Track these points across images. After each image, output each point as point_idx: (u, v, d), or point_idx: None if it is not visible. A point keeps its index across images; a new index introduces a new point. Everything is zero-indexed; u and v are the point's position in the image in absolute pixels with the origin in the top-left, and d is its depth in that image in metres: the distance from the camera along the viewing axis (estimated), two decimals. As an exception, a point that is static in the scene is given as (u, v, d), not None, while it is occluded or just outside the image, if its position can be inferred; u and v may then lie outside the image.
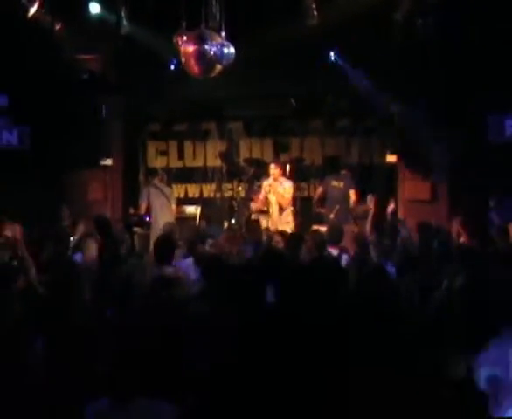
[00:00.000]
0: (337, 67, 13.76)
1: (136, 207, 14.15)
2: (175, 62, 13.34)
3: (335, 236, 9.71)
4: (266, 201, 13.67)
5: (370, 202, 11.38)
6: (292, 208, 13.77)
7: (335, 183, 13.85)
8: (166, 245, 8.31)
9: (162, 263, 7.90)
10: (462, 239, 9.99)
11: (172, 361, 4.82)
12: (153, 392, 4.14)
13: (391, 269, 7.83)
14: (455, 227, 10.30)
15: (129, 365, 4.12)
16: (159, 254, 8.12)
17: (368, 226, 10.78)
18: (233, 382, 4.31)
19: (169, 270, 7.67)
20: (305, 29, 13.07)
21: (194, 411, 4.28)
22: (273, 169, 13.61)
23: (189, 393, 4.44)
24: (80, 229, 10.24)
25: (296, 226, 13.51)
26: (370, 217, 11.00)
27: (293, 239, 9.66)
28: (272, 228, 13.07)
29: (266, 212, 13.79)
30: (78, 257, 8.91)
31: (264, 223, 13.44)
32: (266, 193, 13.64)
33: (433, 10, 12.44)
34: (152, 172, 14.69)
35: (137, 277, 7.22)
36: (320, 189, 14.28)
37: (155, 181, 13.98)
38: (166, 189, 14.07)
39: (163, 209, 13.60)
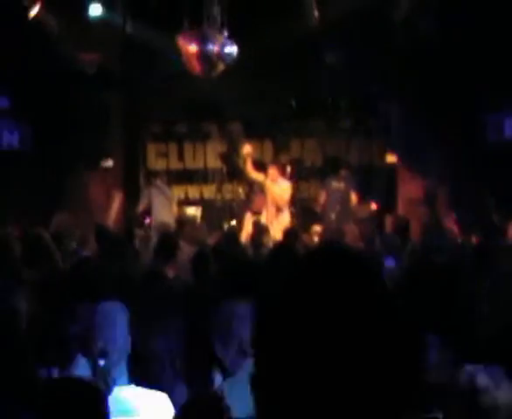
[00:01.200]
0: (337, 68, 13.83)
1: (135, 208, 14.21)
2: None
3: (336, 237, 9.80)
4: (265, 202, 13.67)
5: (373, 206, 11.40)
6: (291, 208, 13.78)
7: (335, 184, 13.87)
8: (166, 245, 8.23)
9: (163, 262, 7.79)
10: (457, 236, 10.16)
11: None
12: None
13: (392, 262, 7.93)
14: (449, 224, 10.47)
15: None
16: (159, 253, 8.07)
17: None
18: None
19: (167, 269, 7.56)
20: (305, 29, 13.15)
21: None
22: (271, 170, 13.61)
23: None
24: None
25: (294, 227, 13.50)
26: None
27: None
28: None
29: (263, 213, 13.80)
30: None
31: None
32: (266, 193, 13.64)
33: (434, 10, 12.50)
34: (154, 173, 14.74)
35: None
36: (323, 194, 14.21)
37: (158, 181, 14.03)
38: (167, 190, 14.12)
39: (164, 210, 13.64)
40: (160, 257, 7.93)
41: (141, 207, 14.01)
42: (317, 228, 13.34)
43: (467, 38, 12.56)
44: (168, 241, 8.39)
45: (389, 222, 12.63)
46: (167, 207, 13.75)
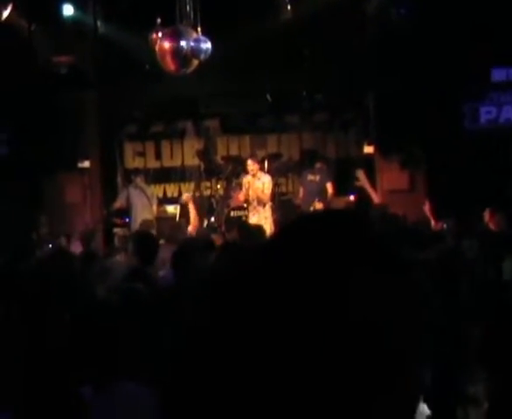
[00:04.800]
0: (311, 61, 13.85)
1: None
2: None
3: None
4: (247, 197, 13.65)
5: (360, 174, 11.34)
6: (271, 203, 13.77)
7: (311, 177, 13.91)
8: (149, 244, 7.96)
9: (145, 262, 7.50)
10: (433, 223, 10.27)
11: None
12: (133, 375, 4.03)
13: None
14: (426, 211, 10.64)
15: (109, 345, 4.02)
16: (141, 253, 7.70)
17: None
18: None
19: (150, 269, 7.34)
20: (279, 24, 13.15)
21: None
22: (251, 165, 13.61)
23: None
24: None
25: (275, 221, 13.51)
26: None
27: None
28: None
29: (245, 209, 13.78)
30: None
31: (243, 219, 13.50)
32: (246, 189, 13.63)
33: (406, 1, 12.53)
34: (134, 172, 14.65)
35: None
36: (301, 191, 14.24)
37: (138, 180, 13.94)
38: (148, 189, 14.07)
39: (144, 209, 13.58)
40: (141, 258, 7.60)
41: (117, 204, 13.97)
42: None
43: (441, 26, 12.60)
44: (148, 241, 8.15)
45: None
46: (147, 207, 13.69)
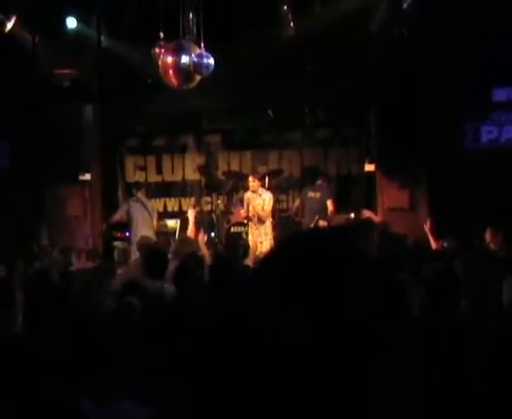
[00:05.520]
0: (314, 78, 13.87)
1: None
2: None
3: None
4: (248, 213, 13.62)
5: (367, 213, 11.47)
6: (271, 220, 13.74)
7: (311, 194, 13.88)
8: (158, 260, 7.93)
9: (153, 277, 7.46)
10: (433, 242, 10.25)
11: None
12: (132, 393, 4.00)
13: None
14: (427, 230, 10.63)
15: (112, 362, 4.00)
16: (150, 268, 7.72)
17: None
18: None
19: (157, 284, 7.27)
20: (282, 40, 13.19)
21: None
22: (252, 182, 13.58)
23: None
24: None
25: (275, 238, 13.47)
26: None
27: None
28: (251, 240, 13.15)
29: (245, 225, 13.75)
30: None
31: (243, 235, 13.47)
32: (246, 205, 13.61)
33: (408, 20, 12.54)
34: (135, 185, 14.60)
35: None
36: (297, 202, 14.34)
37: (139, 194, 13.89)
38: (149, 204, 14.01)
39: (144, 223, 13.51)
40: (151, 274, 7.58)
41: (116, 217, 13.92)
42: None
43: (442, 45, 12.62)
44: (158, 256, 8.08)
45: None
46: (148, 221, 13.62)
